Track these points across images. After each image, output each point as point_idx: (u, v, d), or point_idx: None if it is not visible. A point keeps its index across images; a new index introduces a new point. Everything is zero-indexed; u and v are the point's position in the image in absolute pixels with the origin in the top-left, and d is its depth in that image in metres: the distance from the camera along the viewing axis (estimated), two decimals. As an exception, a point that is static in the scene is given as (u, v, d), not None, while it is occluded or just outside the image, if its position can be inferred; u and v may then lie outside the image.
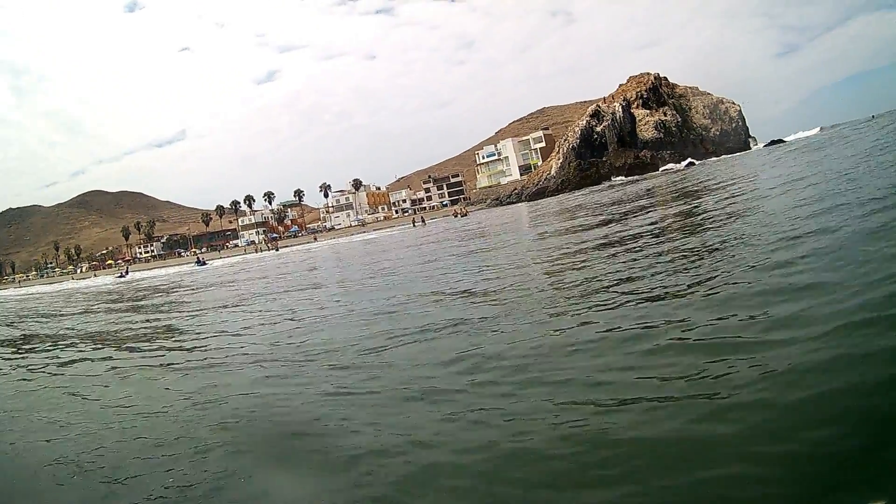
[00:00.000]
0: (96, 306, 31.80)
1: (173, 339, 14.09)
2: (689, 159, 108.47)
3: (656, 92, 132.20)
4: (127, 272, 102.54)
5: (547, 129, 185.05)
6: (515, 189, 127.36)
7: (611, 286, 10.09)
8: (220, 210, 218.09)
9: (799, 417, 4.24)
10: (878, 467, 3.58)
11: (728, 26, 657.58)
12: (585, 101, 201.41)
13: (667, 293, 8.66)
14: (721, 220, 15.58)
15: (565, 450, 4.59)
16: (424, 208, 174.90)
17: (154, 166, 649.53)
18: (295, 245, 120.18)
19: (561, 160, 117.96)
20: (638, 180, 77.08)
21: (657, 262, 11.38)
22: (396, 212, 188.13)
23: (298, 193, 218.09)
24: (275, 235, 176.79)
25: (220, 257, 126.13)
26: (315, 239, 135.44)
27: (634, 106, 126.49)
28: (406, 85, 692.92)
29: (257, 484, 5.10)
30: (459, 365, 7.25)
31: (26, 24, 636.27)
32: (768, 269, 8.40)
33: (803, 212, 12.54)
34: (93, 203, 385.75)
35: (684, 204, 25.62)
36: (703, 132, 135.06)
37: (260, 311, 17.41)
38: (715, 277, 8.84)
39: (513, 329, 8.49)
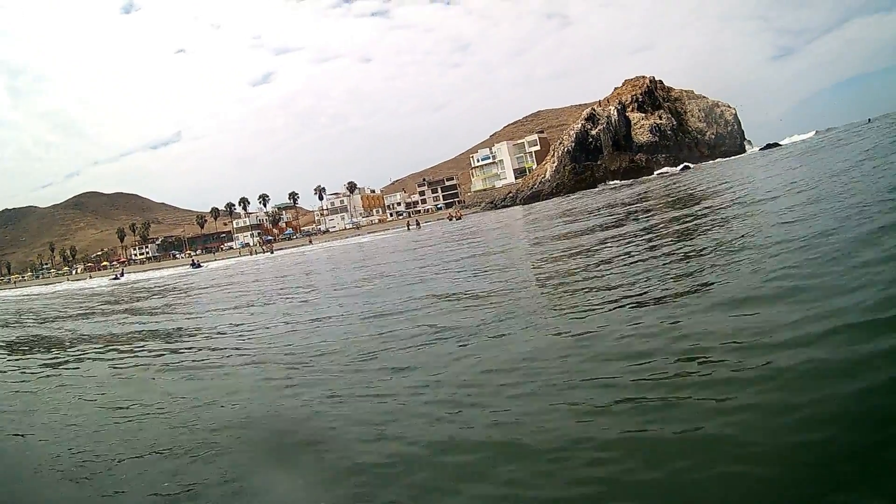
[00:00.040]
0: (93, 308, 31.72)
1: (171, 341, 14.09)
2: (685, 163, 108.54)
3: (651, 95, 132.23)
4: (122, 274, 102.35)
5: (542, 132, 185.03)
6: (510, 192, 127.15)
7: (604, 289, 10.14)
8: (215, 212, 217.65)
9: (796, 418, 4.27)
10: (877, 467, 3.61)
11: (724, 29, 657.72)
12: (580, 105, 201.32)
13: (660, 296, 8.71)
14: (715, 224, 15.63)
15: (564, 450, 4.62)
16: (419, 211, 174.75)
17: (149, 168, 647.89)
18: (290, 248, 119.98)
19: (556, 163, 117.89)
20: (633, 184, 77.06)
21: (651, 265, 11.43)
22: (391, 215, 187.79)
23: (293, 196, 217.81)
24: (269, 238, 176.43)
25: (215, 259, 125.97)
26: (310, 241, 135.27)
27: (630, 109, 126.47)
28: (401, 87, 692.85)
29: (256, 484, 5.12)
30: (456, 366, 7.29)
31: (23, 25, 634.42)
32: (763, 272, 8.44)
33: (796, 216, 12.57)
34: (88, 204, 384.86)
35: (679, 208, 25.65)
36: (699, 136, 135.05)
37: (256, 313, 17.41)
38: (709, 280, 8.90)
39: (507, 331, 8.54)
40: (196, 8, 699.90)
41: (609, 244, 16.64)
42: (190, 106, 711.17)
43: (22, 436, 7.79)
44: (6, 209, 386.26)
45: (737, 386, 4.97)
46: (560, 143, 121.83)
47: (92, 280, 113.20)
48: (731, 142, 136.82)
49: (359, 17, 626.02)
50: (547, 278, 13.20)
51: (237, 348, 11.29)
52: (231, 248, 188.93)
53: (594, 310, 8.79)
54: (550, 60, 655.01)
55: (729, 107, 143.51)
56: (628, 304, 8.65)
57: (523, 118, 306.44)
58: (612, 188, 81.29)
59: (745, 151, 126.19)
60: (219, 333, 13.77)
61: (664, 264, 11.33)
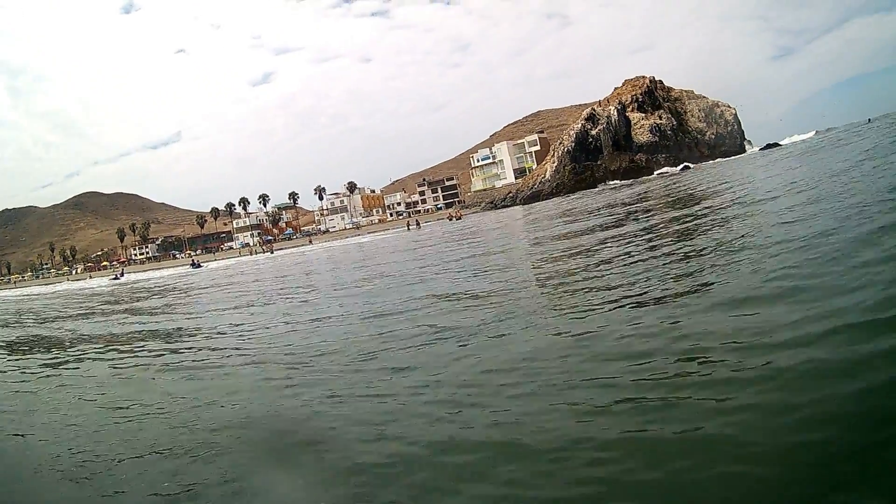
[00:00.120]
0: (93, 309, 31.74)
1: (171, 341, 14.10)
2: (685, 163, 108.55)
3: (651, 95, 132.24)
4: (122, 274, 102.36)
5: (542, 132, 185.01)
6: (510, 192, 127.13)
7: (604, 289, 10.16)
8: (215, 212, 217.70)
9: (796, 418, 4.28)
10: (877, 467, 3.61)
11: (724, 29, 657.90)
12: (580, 105, 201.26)
13: (660, 296, 8.72)
14: (715, 224, 15.65)
15: (563, 450, 4.63)
16: (419, 211, 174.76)
17: (149, 168, 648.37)
18: (290, 248, 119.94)
19: (556, 163, 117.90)
20: (633, 184, 77.05)
21: (651, 265, 11.45)
22: (391, 215, 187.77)
23: (293, 196, 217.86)
24: (269, 238, 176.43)
25: (215, 259, 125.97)
26: (310, 241, 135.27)
27: (630, 109, 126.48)
28: (401, 88, 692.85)
29: (256, 484, 5.12)
30: (456, 366, 7.30)
31: (23, 25, 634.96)
32: (763, 272, 8.45)
33: (796, 216, 12.59)
34: (88, 204, 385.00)
35: (679, 208, 25.65)
36: (699, 136, 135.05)
37: (256, 313, 17.42)
38: (709, 280, 8.91)
39: (507, 331, 8.55)
40: (196, 8, 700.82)
41: (609, 244, 16.65)
42: (190, 106, 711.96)
43: (22, 436, 7.80)
44: (6, 209, 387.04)
45: (737, 386, 4.98)
46: (560, 143, 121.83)
47: (92, 280, 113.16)
48: (731, 142, 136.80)
49: (359, 17, 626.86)
50: (547, 278, 13.21)
51: (237, 348, 11.30)
52: (231, 248, 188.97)
53: (594, 310, 8.80)
54: (550, 60, 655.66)
55: (729, 107, 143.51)
56: (628, 304, 8.66)
57: (523, 118, 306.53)
58: (612, 188, 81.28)
59: (745, 151, 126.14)
60: (219, 333, 13.78)
61: (664, 264, 11.34)
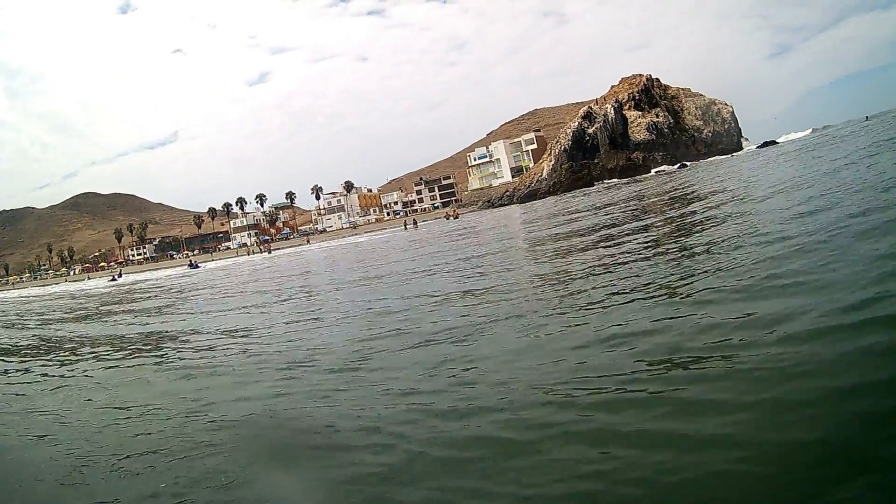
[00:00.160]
0: (92, 309, 31.73)
1: (170, 341, 14.09)
2: (682, 161, 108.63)
3: (648, 93, 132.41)
4: (120, 275, 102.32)
5: (538, 130, 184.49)
6: (507, 191, 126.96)
7: (601, 287, 10.20)
8: (212, 212, 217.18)
9: (792, 415, 4.31)
10: (875, 465, 3.65)
11: (721, 27, 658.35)
12: (577, 103, 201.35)
13: (658, 293, 8.73)
14: (712, 221, 15.70)
15: (563, 447, 4.66)
16: (416, 210, 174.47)
17: (146, 168, 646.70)
18: (287, 248, 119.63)
19: (552, 162, 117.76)
20: (630, 182, 77.01)
21: (648, 263, 11.45)
22: (388, 214, 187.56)
23: (290, 195, 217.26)
24: (266, 238, 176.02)
25: (213, 260, 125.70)
26: (308, 241, 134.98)
27: (626, 107, 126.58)
28: (398, 87, 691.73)
29: (256, 485, 5.12)
30: (456, 365, 7.32)
31: (20, 26, 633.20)
32: (760, 269, 8.48)
33: (793, 213, 12.66)
34: (85, 205, 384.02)
35: (676, 207, 25.69)
36: (696, 133, 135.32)
37: (255, 313, 17.43)
38: (706, 277, 8.91)
39: (506, 330, 8.57)
40: (192, 8, 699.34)
41: (606, 242, 16.69)
42: (186, 106, 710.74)
43: (21, 437, 7.78)
44: (4, 210, 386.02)
45: (735, 383, 5.01)
46: (557, 141, 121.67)
47: (90, 281, 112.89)
48: (728, 139, 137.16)
49: (355, 16, 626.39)
50: (544, 277, 13.21)
51: (236, 348, 11.32)
52: (228, 248, 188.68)
53: (591, 308, 8.84)
54: (547, 59, 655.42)
55: (726, 104, 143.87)
56: (625, 301, 8.70)
57: (520, 117, 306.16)
58: (608, 186, 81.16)
59: (741, 149, 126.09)
60: (217, 334, 13.76)
61: (661, 262, 11.35)
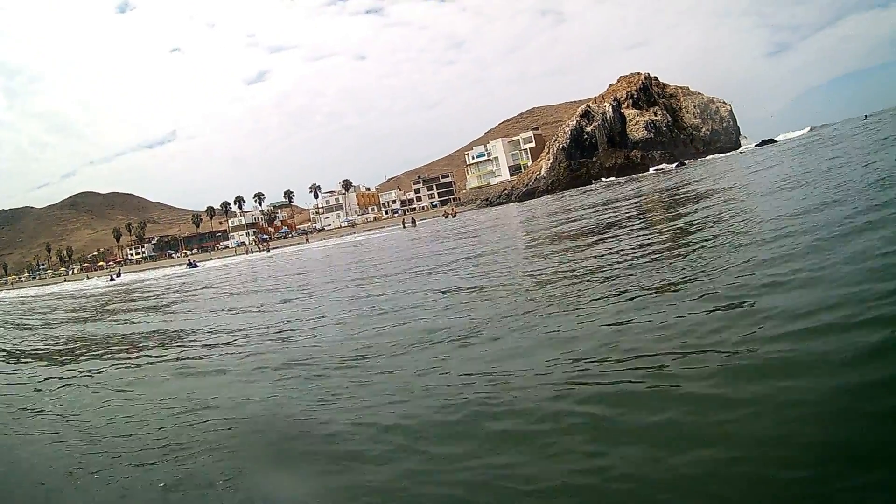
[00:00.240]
0: (92, 309, 31.74)
1: (170, 341, 14.07)
2: (680, 160, 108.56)
3: (647, 92, 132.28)
4: (119, 274, 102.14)
5: (537, 129, 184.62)
6: (505, 189, 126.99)
7: (599, 283, 10.25)
8: (211, 211, 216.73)
9: (790, 412, 4.34)
10: (875, 463, 3.68)
11: (719, 26, 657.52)
12: (576, 101, 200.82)
13: (656, 290, 8.75)
14: (709, 219, 15.73)
15: (562, 442, 4.70)
16: (414, 209, 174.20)
17: (144, 167, 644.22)
18: (286, 246, 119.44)
19: (551, 160, 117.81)
20: (628, 181, 76.94)
21: (646, 260, 11.48)
22: (386, 212, 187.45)
23: (288, 194, 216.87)
24: (265, 237, 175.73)
25: (211, 259, 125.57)
26: (307, 240, 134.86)
27: (625, 106, 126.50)
28: (396, 85, 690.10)
29: (256, 484, 5.15)
30: (456, 364, 7.35)
31: (18, 25, 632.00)
32: (757, 266, 8.55)
33: (791, 211, 12.72)
34: (84, 204, 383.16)
35: (674, 205, 25.77)
36: (694, 132, 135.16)
37: (255, 313, 17.46)
38: (704, 275, 8.95)
39: (505, 329, 8.58)
40: (191, 7, 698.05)
41: (604, 241, 16.72)
42: (185, 105, 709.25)
43: (21, 436, 7.82)
44: (2, 210, 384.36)
45: (733, 380, 5.04)
46: (555, 139, 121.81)
47: (89, 281, 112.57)
48: (726, 138, 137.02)
49: (353, 14, 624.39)
50: (543, 276, 13.22)
51: (236, 348, 11.35)
52: (227, 247, 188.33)
53: (590, 305, 8.87)
54: (545, 57, 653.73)
55: (724, 103, 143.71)
56: (623, 299, 8.73)
57: (518, 115, 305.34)
58: (607, 185, 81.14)
59: (740, 147, 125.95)
60: (217, 334, 13.78)
61: (659, 260, 11.38)
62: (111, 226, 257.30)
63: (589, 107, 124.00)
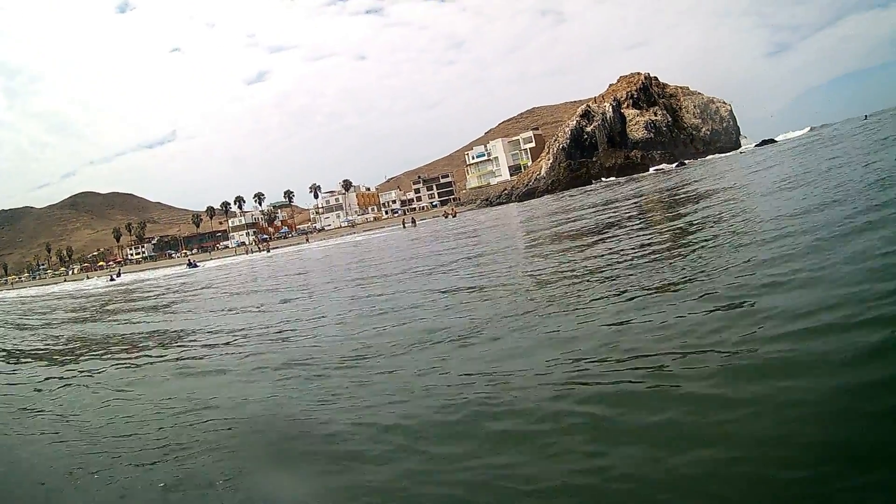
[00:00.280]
0: (92, 309, 31.75)
1: (170, 341, 14.07)
2: (680, 160, 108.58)
3: (647, 92, 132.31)
4: (119, 274, 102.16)
5: (537, 129, 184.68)
6: (505, 189, 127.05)
7: (599, 283, 10.26)
8: (211, 211, 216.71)
9: (789, 412, 4.34)
10: (875, 463, 3.68)
11: (719, 26, 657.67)
12: (576, 101, 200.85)
13: (656, 290, 8.75)
14: (709, 219, 15.74)
15: (562, 442, 4.70)
16: (414, 209, 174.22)
17: (144, 167, 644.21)
18: (286, 246, 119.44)
19: (551, 160, 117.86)
20: (628, 181, 76.95)
21: (646, 260, 11.48)
22: (386, 212, 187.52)
23: (288, 194, 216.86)
24: (265, 237, 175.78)
25: (211, 259, 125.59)
26: (307, 240, 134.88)
27: (625, 106, 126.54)
28: (396, 85, 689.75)
29: (256, 484, 5.15)
30: (455, 364, 7.35)
31: (19, 25, 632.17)
32: (757, 266, 8.55)
33: (790, 210, 12.73)
34: (84, 204, 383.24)
35: (673, 205, 25.78)
36: (694, 132, 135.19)
37: (255, 313, 17.46)
38: (703, 274, 8.96)
39: (505, 329, 8.57)
40: (191, 6, 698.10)
41: (605, 241, 16.72)
42: (185, 105, 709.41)
43: (22, 436, 7.82)
44: (2, 210, 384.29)
45: (733, 379, 5.04)
46: (555, 139, 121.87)
47: (89, 280, 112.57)
48: (726, 138, 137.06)
49: (353, 14, 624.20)
50: (543, 276, 13.22)
51: (236, 348, 11.35)
52: (227, 247, 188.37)
53: (590, 305, 8.87)
54: (545, 57, 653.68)
55: (724, 103, 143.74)
56: (624, 299, 8.73)
57: (518, 115, 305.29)
58: (607, 185, 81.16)
59: (740, 147, 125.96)
60: (217, 333, 13.79)
61: (659, 260, 11.39)
62: (111, 226, 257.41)
63: (589, 107, 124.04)
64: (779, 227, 11.30)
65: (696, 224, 15.62)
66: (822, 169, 22.41)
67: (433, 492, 4.47)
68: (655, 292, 8.75)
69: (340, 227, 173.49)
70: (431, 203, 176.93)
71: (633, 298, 8.67)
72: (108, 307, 31.38)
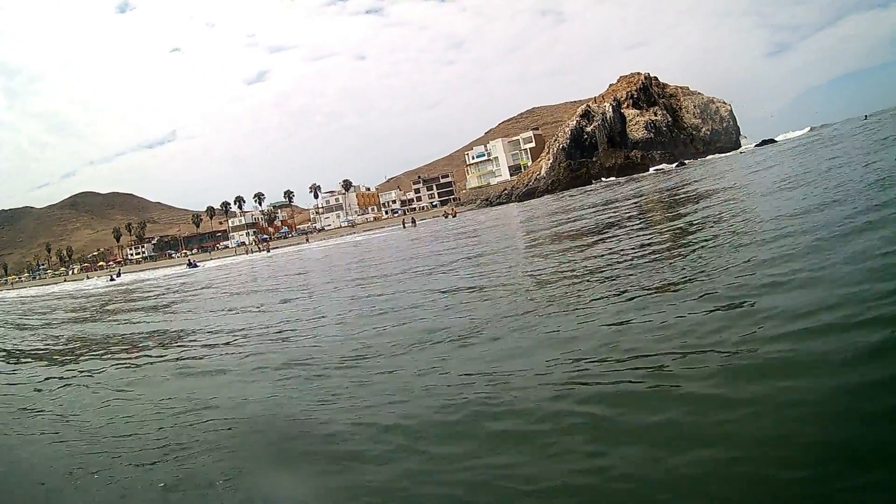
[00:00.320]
0: (92, 309, 31.75)
1: (170, 341, 14.07)
2: (680, 160, 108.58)
3: (647, 92, 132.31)
4: (119, 274, 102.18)
5: (537, 129, 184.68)
6: (505, 189, 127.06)
7: (599, 283, 10.26)
8: (211, 211, 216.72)
9: (789, 412, 4.34)
10: (874, 463, 3.68)
11: (719, 26, 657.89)
12: (576, 101, 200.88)
13: (656, 290, 8.75)
14: (709, 219, 15.74)
15: (562, 442, 4.70)
16: (414, 209, 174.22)
17: (144, 167, 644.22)
18: (286, 247, 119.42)
19: (551, 160, 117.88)
20: (628, 181, 76.95)
21: (646, 260, 11.49)
22: (386, 213, 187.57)
23: (288, 194, 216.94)
24: (265, 237, 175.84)
25: (211, 259, 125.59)
26: (307, 240, 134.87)
27: (625, 106, 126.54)
28: (396, 85, 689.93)
29: (256, 485, 5.15)
30: (454, 364, 7.36)
31: (18, 25, 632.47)
32: (756, 265, 8.56)
33: (790, 210, 12.73)
34: (84, 204, 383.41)
35: (674, 205, 25.79)
36: (694, 132, 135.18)
37: (255, 313, 17.45)
38: (703, 273, 8.97)
39: (504, 329, 8.57)
40: (191, 6, 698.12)
41: (605, 241, 16.72)
42: (185, 105, 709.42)
43: (22, 436, 7.82)
44: (2, 210, 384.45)
45: (733, 379, 5.04)
46: (555, 139, 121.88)
47: (89, 280, 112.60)
48: (726, 138, 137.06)
49: (353, 14, 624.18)
50: (543, 276, 13.22)
51: (236, 348, 11.35)
52: (227, 247, 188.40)
53: (590, 305, 8.87)
54: (545, 57, 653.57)
55: (724, 103, 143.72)
56: (624, 299, 8.73)
57: (518, 115, 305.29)
58: (607, 185, 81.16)
59: (740, 147, 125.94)
60: (217, 333, 13.79)
61: (659, 260, 11.38)
62: (111, 226, 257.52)
63: (589, 107, 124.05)
64: (779, 226, 11.30)
65: (696, 224, 15.62)
66: (821, 169, 22.42)
67: (433, 492, 4.47)
68: (655, 292, 8.75)
69: (340, 227, 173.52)
70: (431, 203, 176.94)
71: (633, 298, 8.67)
72: (108, 307, 31.39)
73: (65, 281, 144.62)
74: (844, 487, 3.53)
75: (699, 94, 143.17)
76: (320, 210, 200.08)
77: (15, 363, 14.39)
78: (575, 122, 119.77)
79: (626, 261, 12.13)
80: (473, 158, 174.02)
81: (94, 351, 14.40)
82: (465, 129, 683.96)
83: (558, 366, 6.44)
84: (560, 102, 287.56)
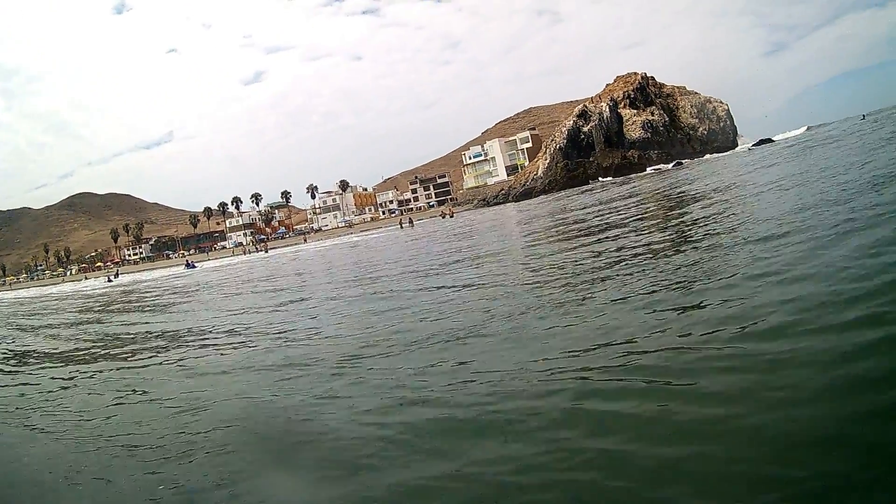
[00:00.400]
0: (91, 310, 31.72)
1: (168, 341, 14.06)
2: (677, 159, 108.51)
3: (643, 91, 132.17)
4: (117, 275, 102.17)
5: (534, 129, 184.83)
6: (502, 189, 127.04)
7: (598, 282, 10.25)
8: (208, 212, 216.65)
9: (789, 409, 4.35)
10: (874, 462, 3.70)
11: (716, 25, 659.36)
12: (572, 101, 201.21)
13: (652, 289, 8.75)
14: (707, 218, 15.74)
15: (561, 436, 4.72)
16: (411, 209, 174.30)
17: (142, 168, 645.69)
18: (284, 247, 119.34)
19: (548, 160, 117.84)
20: (625, 181, 76.92)
21: (644, 259, 11.48)
22: (383, 213, 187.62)
23: (286, 195, 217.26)
24: (262, 237, 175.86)
25: (209, 259, 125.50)
26: (305, 240, 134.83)
27: (622, 106, 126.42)
28: (392, 85, 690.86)
29: (255, 485, 5.15)
30: (454, 363, 7.36)
31: (16, 27, 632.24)
32: (756, 265, 8.53)
33: (788, 209, 12.76)
34: (81, 205, 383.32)
35: (670, 205, 25.81)
36: (691, 132, 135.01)
37: (253, 313, 17.42)
38: (702, 272, 8.97)
39: (502, 328, 8.60)
40: (188, 7, 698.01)
41: (602, 241, 16.68)
42: (182, 106, 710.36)
43: (22, 436, 7.84)
44: (0, 211, 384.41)
45: (732, 376, 5.06)
46: (552, 139, 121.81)
47: (87, 281, 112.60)
48: (723, 137, 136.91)
49: (350, 15, 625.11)
50: (542, 276, 13.23)
51: (236, 348, 11.37)
52: (224, 247, 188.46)
53: (589, 305, 8.90)
54: (541, 57, 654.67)
55: (721, 102, 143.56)
56: (621, 297, 8.73)
57: (515, 115, 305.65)
58: (604, 185, 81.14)
59: (737, 147, 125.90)
60: (216, 334, 13.79)
61: (657, 259, 11.39)
62: (109, 226, 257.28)
63: (586, 107, 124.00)
64: (777, 226, 11.29)
65: (695, 223, 15.63)
66: (819, 168, 22.47)
67: (433, 492, 4.47)
68: (655, 292, 8.76)
69: (338, 227, 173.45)
70: (428, 203, 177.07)
71: (632, 298, 8.67)
72: (106, 308, 31.35)
73: (63, 282, 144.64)
74: (845, 487, 3.54)
75: (696, 93, 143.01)
76: (317, 210, 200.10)
77: (15, 364, 14.39)
78: (572, 122, 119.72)
79: (624, 260, 12.12)
80: (470, 158, 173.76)
81: (94, 351, 14.41)
82: (462, 129, 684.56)
83: (558, 366, 6.44)
84: (557, 102, 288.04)
